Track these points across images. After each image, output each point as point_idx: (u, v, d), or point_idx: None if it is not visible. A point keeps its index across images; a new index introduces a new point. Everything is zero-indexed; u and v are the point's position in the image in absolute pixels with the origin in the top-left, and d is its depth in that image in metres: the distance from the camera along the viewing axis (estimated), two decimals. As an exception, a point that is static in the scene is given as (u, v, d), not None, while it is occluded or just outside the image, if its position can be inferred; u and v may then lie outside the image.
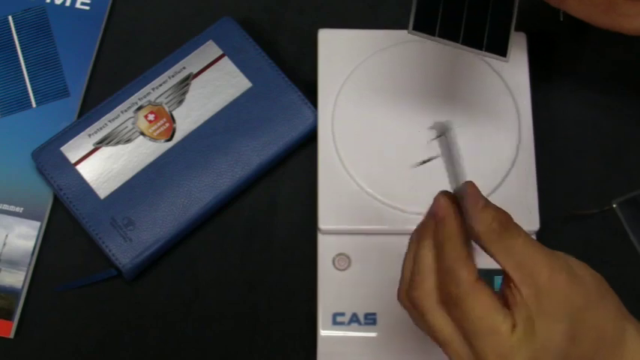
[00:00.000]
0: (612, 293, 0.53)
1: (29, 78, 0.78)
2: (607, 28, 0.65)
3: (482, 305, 0.50)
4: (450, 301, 0.51)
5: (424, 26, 0.61)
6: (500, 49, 0.64)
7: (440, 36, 0.61)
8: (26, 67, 0.78)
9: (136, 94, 0.76)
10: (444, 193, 0.54)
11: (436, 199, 0.53)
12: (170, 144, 0.74)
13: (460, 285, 0.51)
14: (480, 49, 0.61)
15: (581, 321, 0.51)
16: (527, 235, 0.52)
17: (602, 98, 0.80)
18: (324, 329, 0.70)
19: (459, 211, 0.53)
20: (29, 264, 0.73)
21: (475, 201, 0.52)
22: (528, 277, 0.51)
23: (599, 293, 0.52)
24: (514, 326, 0.50)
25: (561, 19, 0.69)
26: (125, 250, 0.72)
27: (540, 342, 0.50)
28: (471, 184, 0.53)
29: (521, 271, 0.51)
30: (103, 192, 0.73)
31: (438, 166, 0.73)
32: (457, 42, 0.61)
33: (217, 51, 0.77)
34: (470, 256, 0.52)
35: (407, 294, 0.55)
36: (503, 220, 0.52)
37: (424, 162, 0.59)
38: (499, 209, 0.52)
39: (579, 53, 0.82)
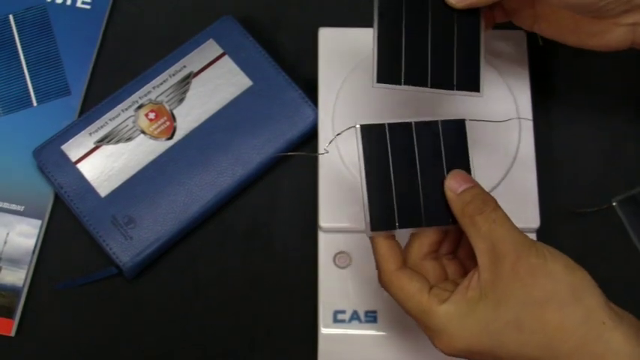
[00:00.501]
0: (591, 295, 0.53)
1: (30, 77, 0.78)
2: (577, 46, 0.67)
3: (402, 290, 0.57)
4: (384, 287, 0.59)
5: (389, 77, 0.59)
6: (472, 85, 0.63)
7: (407, 84, 0.58)
8: (27, 66, 0.78)
9: (137, 93, 0.76)
10: None
11: None
12: (171, 142, 0.75)
13: (382, 275, 0.58)
14: (452, 89, 0.59)
15: (536, 314, 0.53)
16: (504, 220, 0.55)
17: (602, 97, 0.80)
18: (324, 327, 0.71)
19: None
20: (30, 262, 0.73)
21: (453, 187, 0.57)
22: (492, 264, 0.54)
23: (572, 292, 0.53)
24: (442, 302, 0.55)
25: (541, 44, 0.71)
26: (126, 249, 0.72)
27: (477, 322, 0.54)
28: (453, 173, 0.58)
29: (488, 256, 0.54)
30: (103, 190, 0.73)
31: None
32: (426, 86, 0.59)
33: (218, 49, 0.77)
34: (391, 248, 0.58)
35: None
36: (480, 204, 0.56)
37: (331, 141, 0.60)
38: (479, 194, 0.57)
39: (579, 52, 0.82)
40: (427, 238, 0.60)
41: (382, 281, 0.59)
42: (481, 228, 0.55)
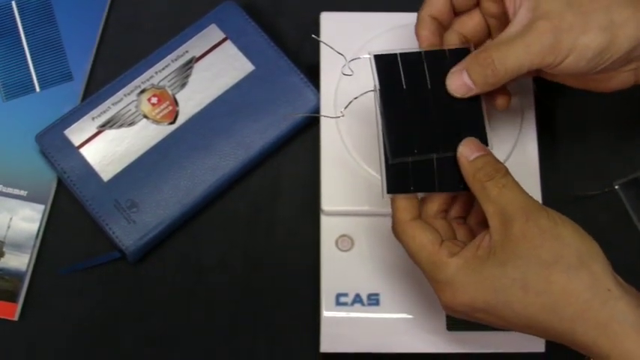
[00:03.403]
0: (598, 262, 0.54)
1: (33, 62, 0.78)
2: (583, 90, 0.67)
3: (414, 240, 0.58)
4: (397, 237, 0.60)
5: (398, 187, 0.60)
6: None
7: (415, 191, 0.61)
8: (30, 52, 0.79)
9: (139, 78, 0.76)
10: None
11: None
12: (173, 127, 0.75)
13: (396, 224, 0.60)
14: (457, 190, 0.61)
15: (542, 274, 0.53)
16: (514, 186, 0.56)
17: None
18: (327, 310, 0.71)
19: None
20: (33, 247, 0.74)
21: (466, 154, 0.59)
22: (502, 226, 0.55)
23: (579, 257, 0.54)
24: (451, 256, 0.56)
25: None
26: (129, 233, 0.72)
27: (484, 278, 0.55)
28: (466, 141, 0.60)
29: (498, 219, 0.55)
30: (106, 175, 0.73)
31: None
32: (434, 191, 0.61)
33: (220, 34, 0.77)
34: (406, 199, 0.59)
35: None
36: (490, 170, 0.57)
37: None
38: (490, 162, 0.58)
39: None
40: (439, 195, 0.61)
41: (395, 231, 0.60)
42: (491, 192, 0.56)
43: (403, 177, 0.60)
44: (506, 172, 0.57)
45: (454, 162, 0.60)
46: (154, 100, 0.75)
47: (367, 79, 0.75)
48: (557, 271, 0.53)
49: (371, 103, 0.74)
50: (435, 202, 0.61)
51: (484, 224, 0.57)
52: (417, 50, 0.62)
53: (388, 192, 0.60)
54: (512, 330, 0.56)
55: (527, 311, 0.54)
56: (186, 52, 0.77)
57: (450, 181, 0.60)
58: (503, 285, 0.54)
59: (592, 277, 0.53)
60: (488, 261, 0.55)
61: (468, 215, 0.63)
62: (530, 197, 0.56)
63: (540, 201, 0.72)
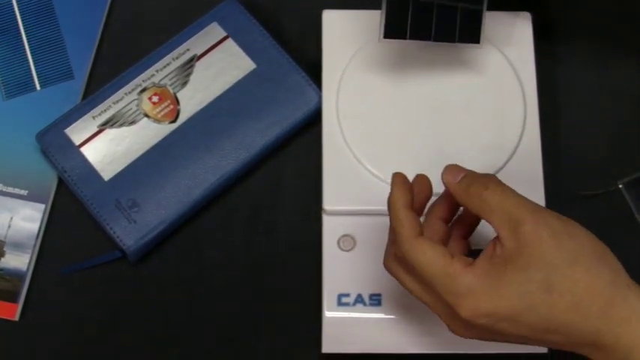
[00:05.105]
0: (613, 258, 0.54)
1: (33, 61, 0.78)
2: None
3: (425, 254, 0.55)
4: (401, 258, 0.58)
5: (395, 32, 0.63)
6: (473, 37, 0.69)
7: (411, 38, 0.63)
8: (30, 50, 0.78)
9: (140, 76, 0.76)
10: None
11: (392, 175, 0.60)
12: (174, 125, 0.74)
13: (403, 242, 0.57)
14: (453, 41, 0.63)
15: (566, 274, 0.53)
16: (512, 190, 0.56)
17: (608, 79, 0.80)
18: (329, 310, 0.70)
19: (407, 182, 0.59)
20: (34, 246, 0.73)
21: (450, 179, 0.58)
22: (513, 232, 0.54)
23: (596, 254, 0.54)
24: (467, 266, 0.54)
25: None
26: (129, 232, 0.72)
27: (506, 284, 0.53)
28: (448, 167, 0.59)
29: (507, 226, 0.54)
30: (107, 174, 0.73)
31: (443, 146, 0.73)
32: (429, 39, 0.63)
33: (221, 32, 0.77)
34: (411, 216, 0.57)
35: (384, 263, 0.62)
36: (483, 181, 0.56)
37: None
38: (478, 175, 0.58)
39: (585, 34, 0.81)
40: (441, 205, 0.61)
41: (403, 248, 0.57)
42: (491, 202, 0.55)
43: (401, 23, 0.62)
44: (499, 180, 0.57)
45: (454, 13, 0.62)
46: (155, 98, 0.75)
47: (369, 79, 0.75)
48: (580, 270, 0.52)
49: (374, 103, 0.74)
50: (441, 207, 0.61)
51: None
52: None
53: (385, 37, 0.62)
54: (533, 342, 0.55)
55: (553, 313, 0.52)
56: (188, 50, 0.76)
57: (447, 32, 0.63)
58: (527, 289, 0.52)
59: (612, 273, 0.53)
60: (508, 267, 0.53)
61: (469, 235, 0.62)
62: (532, 201, 0.56)
63: (544, 200, 0.72)
